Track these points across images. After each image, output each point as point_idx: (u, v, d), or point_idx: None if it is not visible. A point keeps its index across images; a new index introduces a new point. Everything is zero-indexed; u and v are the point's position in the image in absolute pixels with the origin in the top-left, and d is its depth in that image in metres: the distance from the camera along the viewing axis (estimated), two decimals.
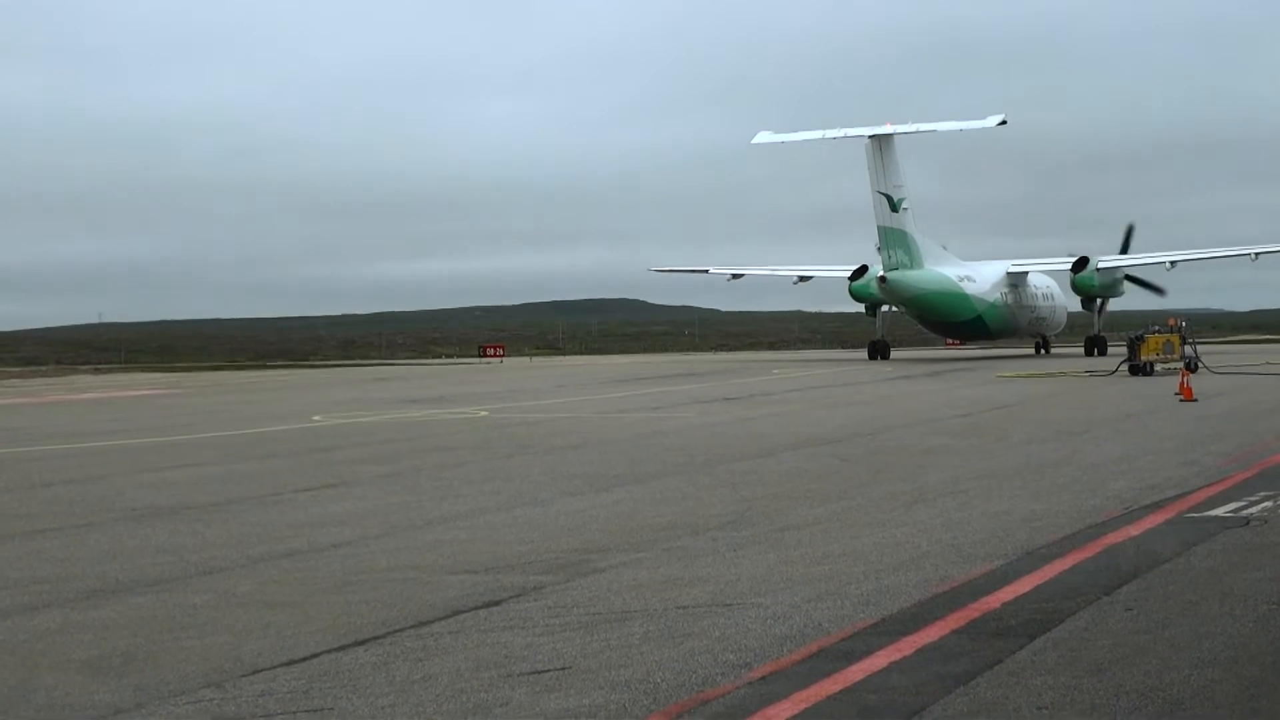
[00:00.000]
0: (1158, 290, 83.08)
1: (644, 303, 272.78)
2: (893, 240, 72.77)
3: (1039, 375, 52.86)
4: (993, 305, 77.57)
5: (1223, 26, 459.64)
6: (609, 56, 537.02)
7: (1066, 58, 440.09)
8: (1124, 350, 52.17)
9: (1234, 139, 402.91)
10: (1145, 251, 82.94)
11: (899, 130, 73.99)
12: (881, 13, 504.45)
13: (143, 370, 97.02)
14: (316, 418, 35.62)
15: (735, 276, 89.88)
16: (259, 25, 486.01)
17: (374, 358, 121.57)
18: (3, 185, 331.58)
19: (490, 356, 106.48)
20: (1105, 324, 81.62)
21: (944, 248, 78.52)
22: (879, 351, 79.72)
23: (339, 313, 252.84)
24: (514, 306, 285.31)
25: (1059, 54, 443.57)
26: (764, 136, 79.17)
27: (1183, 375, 38.96)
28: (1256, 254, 79.20)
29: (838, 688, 8.28)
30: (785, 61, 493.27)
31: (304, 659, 9.38)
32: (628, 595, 11.26)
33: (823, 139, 76.70)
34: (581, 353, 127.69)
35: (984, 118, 75.21)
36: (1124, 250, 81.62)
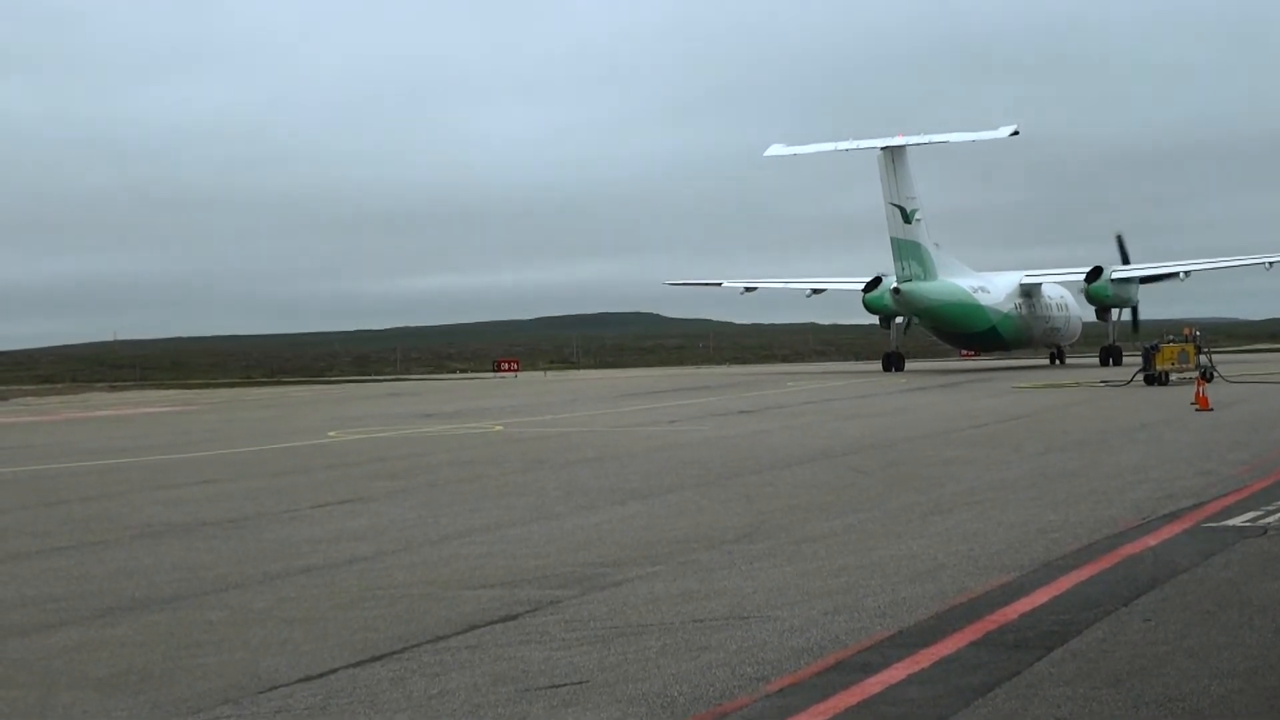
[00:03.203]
0: (1174, 276, 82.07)
1: (658, 316, 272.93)
2: (906, 252, 72.69)
3: (1054, 386, 52.77)
4: (1007, 316, 77.38)
5: (1235, 27, 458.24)
6: (616, 62, 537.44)
7: (1081, 63, 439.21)
8: (1139, 360, 52.07)
9: (1253, 143, 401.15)
10: (1160, 260, 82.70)
11: (911, 141, 73.92)
12: (894, 17, 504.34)
13: (157, 387, 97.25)
14: (331, 433, 35.67)
15: (748, 289, 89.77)
16: (264, 35, 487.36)
17: (388, 373, 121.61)
18: (15, 202, 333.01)
19: (504, 371, 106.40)
20: (1119, 334, 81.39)
21: (963, 264, 78.41)
22: (893, 363, 79.53)
23: (353, 328, 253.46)
24: (528, 320, 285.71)
25: (1074, 59, 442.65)
26: (776, 149, 79.14)
27: (1198, 385, 38.83)
28: (1270, 263, 78.91)
29: (856, 700, 8.26)
30: (797, 67, 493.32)
31: (321, 675, 9.38)
32: (644, 609, 11.25)
33: (835, 151, 76.74)
34: (596, 366, 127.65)
35: (996, 127, 75.16)
36: (1125, 260, 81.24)
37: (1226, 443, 24.86)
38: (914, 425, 32.62)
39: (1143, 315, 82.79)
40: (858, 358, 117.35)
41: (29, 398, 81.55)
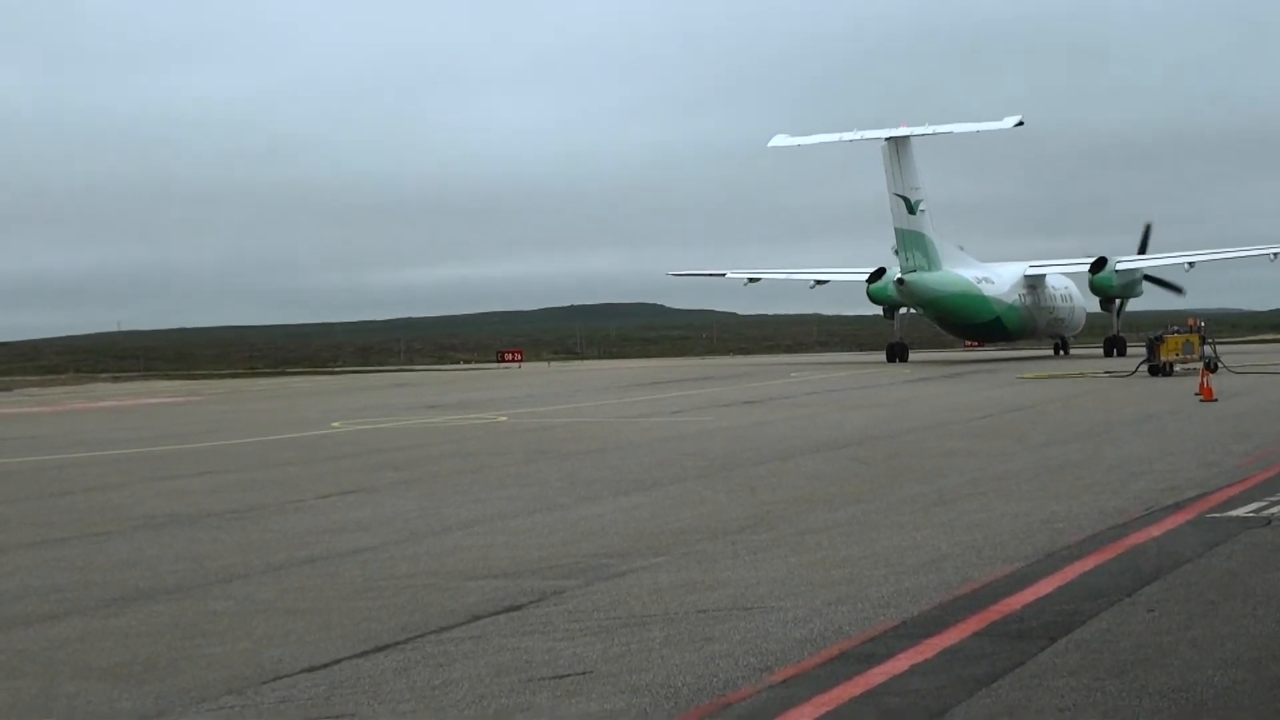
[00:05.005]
0: (1176, 289, 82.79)
1: (662, 306, 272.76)
2: (910, 242, 72.66)
3: (1058, 377, 52.73)
4: (1011, 307, 77.39)
5: (1240, 18, 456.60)
6: (619, 52, 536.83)
7: (1086, 54, 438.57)
8: (1143, 351, 52.05)
9: (1258, 134, 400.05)
10: (1164, 251, 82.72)
11: (915, 132, 73.90)
12: (899, 7, 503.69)
13: (161, 378, 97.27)
14: (336, 424, 35.67)
15: (752, 280, 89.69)
16: (264, 25, 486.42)
17: (392, 364, 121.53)
18: (16, 194, 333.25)
19: (508, 362, 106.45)
20: (1124, 325, 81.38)
21: (961, 248, 78.37)
22: (897, 354, 79.53)
23: (357, 319, 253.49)
24: (532, 311, 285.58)
25: (1079, 50, 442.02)
26: (780, 139, 79.14)
27: (1202, 375, 38.83)
28: (1275, 254, 78.89)
29: (859, 690, 8.27)
30: (801, 57, 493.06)
31: (325, 665, 9.39)
32: (648, 599, 11.25)
33: (839, 142, 76.71)
34: (600, 357, 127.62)
35: (1001, 118, 75.14)
36: (1142, 250, 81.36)
37: (1230, 434, 24.85)
38: (917, 416, 32.62)
39: (1147, 306, 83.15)
40: (861, 348, 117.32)
41: (33, 388, 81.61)
